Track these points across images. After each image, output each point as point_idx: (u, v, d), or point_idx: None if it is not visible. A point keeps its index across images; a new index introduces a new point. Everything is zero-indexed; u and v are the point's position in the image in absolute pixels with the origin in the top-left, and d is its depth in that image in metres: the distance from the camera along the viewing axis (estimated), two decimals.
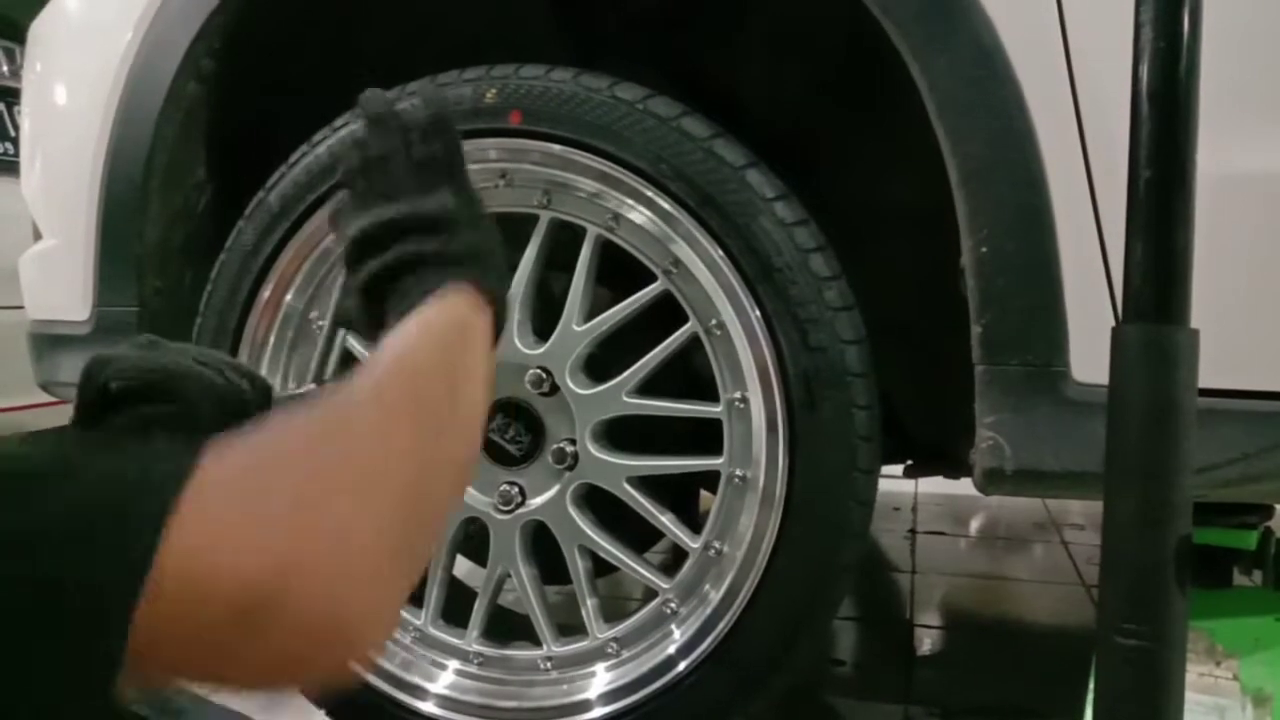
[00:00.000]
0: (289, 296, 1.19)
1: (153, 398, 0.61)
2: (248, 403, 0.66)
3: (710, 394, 1.06)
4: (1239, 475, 0.83)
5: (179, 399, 0.62)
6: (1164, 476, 0.61)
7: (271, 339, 1.20)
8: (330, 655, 0.43)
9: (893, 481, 1.45)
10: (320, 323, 1.21)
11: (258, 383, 0.67)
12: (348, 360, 1.19)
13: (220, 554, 0.40)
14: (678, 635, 1.09)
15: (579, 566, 1.13)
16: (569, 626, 1.17)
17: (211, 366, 0.64)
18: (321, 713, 1.12)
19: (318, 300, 1.20)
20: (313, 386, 0.83)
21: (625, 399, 1.08)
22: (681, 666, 1.07)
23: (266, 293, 1.18)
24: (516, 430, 1.13)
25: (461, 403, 0.56)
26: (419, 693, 1.17)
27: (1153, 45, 0.62)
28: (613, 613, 1.16)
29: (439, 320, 0.60)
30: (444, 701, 1.17)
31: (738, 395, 1.04)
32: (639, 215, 1.05)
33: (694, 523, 1.11)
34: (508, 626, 1.21)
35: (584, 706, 1.12)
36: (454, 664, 1.19)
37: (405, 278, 0.63)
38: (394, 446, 0.49)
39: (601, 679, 1.12)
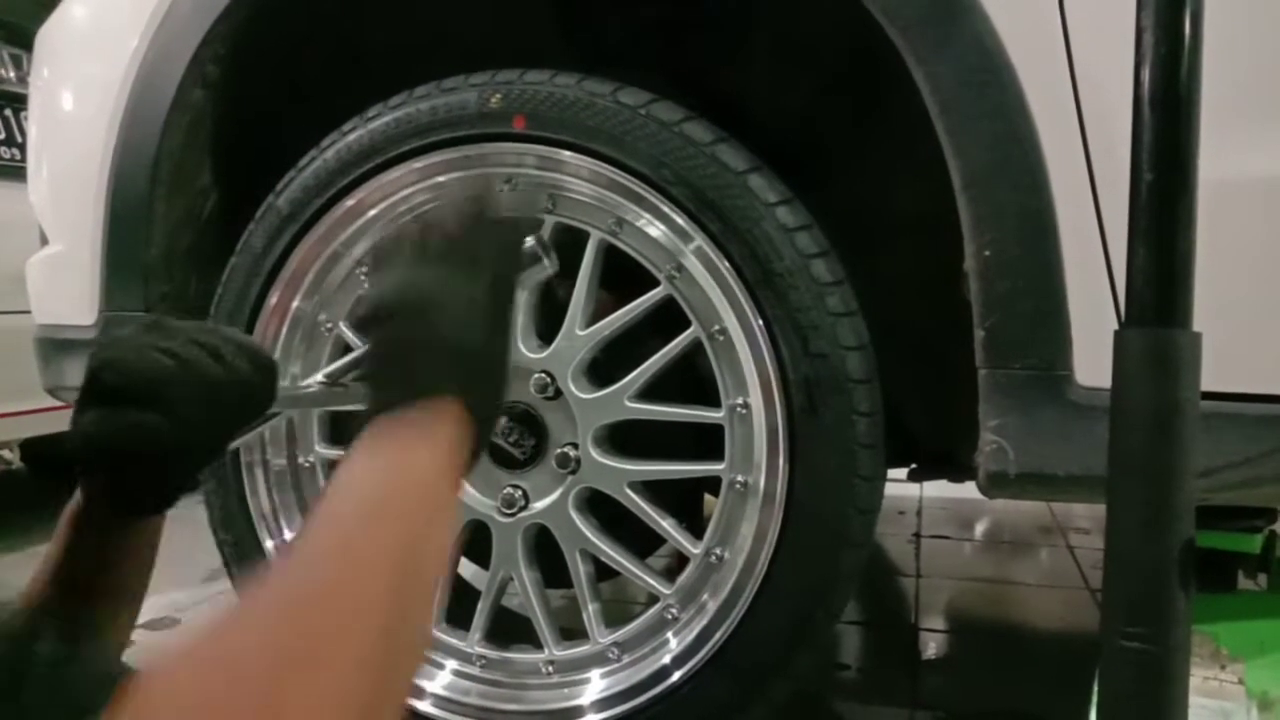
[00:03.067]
0: (298, 300, 1.20)
1: (139, 399, 0.61)
2: (245, 386, 0.65)
3: (712, 399, 1.06)
4: (1242, 479, 0.83)
5: (158, 407, 0.61)
6: (1167, 480, 0.61)
7: (281, 342, 1.20)
8: None
9: (898, 485, 1.44)
10: (328, 325, 1.21)
11: (260, 361, 0.67)
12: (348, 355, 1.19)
13: None
14: (674, 643, 1.09)
15: (581, 570, 1.13)
16: (571, 630, 1.17)
17: (208, 350, 0.64)
18: None
19: (326, 304, 1.21)
20: (319, 378, 0.82)
21: (628, 404, 1.08)
22: (679, 673, 1.07)
23: (275, 297, 1.19)
24: (520, 434, 1.13)
25: (421, 574, 0.49)
26: (416, 692, 1.18)
27: (1154, 50, 0.62)
28: (615, 617, 1.16)
29: (412, 475, 0.51)
30: (441, 702, 1.17)
31: (739, 401, 1.04)
32: (642, 220, 1.05)
33: (697, 529, 1.11)
34: (510, 629, 1.22)
35: (580, 711, 1.12)
36: (452, 664, 1.19)
37: (394, 365, 0.56)
38: (354, 628, 0.43)
39: (601, 683, 1.12)
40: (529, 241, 0.77)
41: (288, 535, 1.25)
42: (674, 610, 1.09)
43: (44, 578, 0.65)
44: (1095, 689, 0.66)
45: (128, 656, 0.70)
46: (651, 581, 1.11)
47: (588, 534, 1.12)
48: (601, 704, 1.11)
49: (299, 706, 0.39)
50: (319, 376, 0.83)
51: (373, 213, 1.16)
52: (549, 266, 0.81)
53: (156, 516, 0.69)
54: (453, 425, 0.54)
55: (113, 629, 0.67)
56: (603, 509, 1.13)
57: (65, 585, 0.65)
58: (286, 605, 0.43)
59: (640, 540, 1.17)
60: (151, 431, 0.61)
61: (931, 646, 1.71)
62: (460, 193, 0.62)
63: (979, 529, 2.54)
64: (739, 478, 1.05)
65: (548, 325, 1.12)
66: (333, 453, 1.24)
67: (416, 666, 0.50)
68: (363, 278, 1.19)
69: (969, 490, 1.54)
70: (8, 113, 2.33)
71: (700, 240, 1.02)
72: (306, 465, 1.25)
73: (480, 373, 0.58)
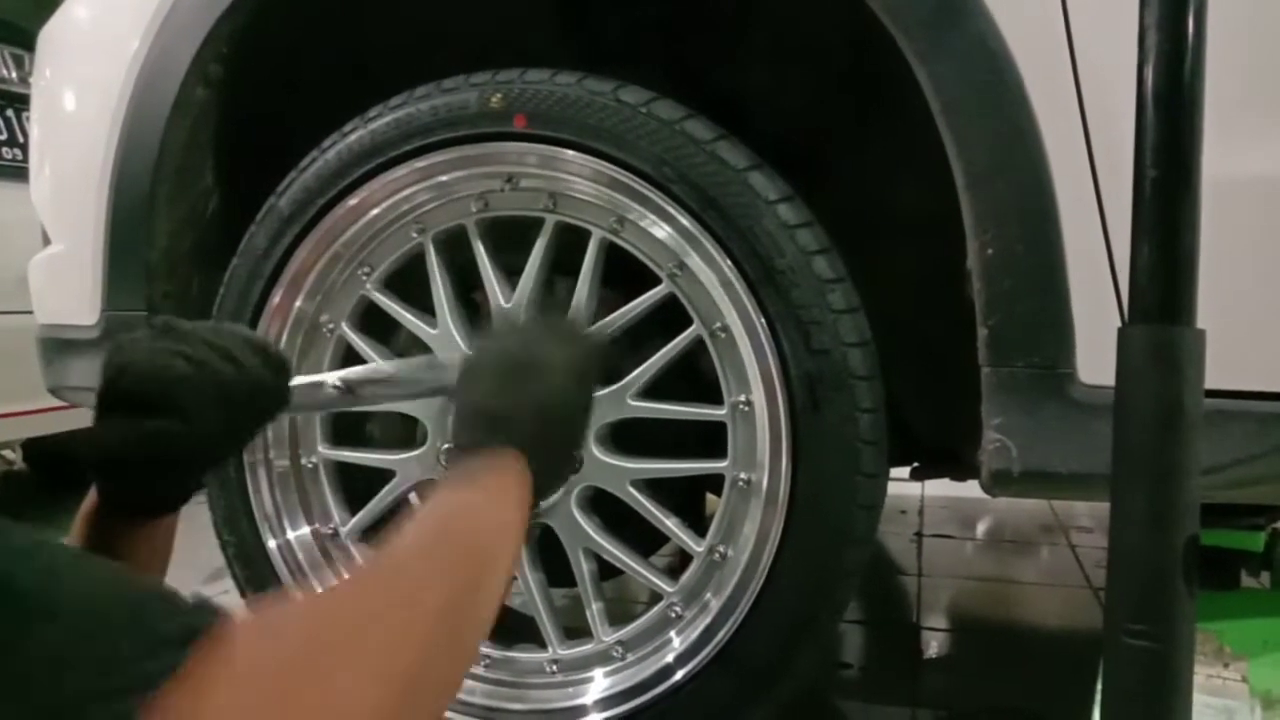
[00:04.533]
0: (300, 301, 1.20)
1: (155, 405, 0.62)
2: (259, 385, 0.66)
3: (715, 397, 1.06)
4: (1246, 476, 0.83)
5: (176, 412, 0.62)
6: (1171, 477, 0.61)
7: (283, 342, 1.20)
8: None
9: (899, 484, 1.44)
10: (330, 326, 1.21)
11: (273, 360, 0.68)
12: (350, 359, 1.19)
13: None
14: (678, 641, 1.09)
15: (584, 569, 1.13)
16: (575, 629, 1.17)
17: (221, 352, 0.64)
18: None
19: (328, 304, 1.21)
20: (334, 380, 0.82)
21: (630, 402, 1.08)
22: (682, 672, 1.07)
23: (278, 297, 1.19)
24: None
25: (484, 601, 0.55)
26: None
27: (1158, 48, 0.62)
28: (617, 616, 1.16)
29: (483, 510, 0.59)
30: None
31: (742, 398, 1.04)
32: (643, 218, 1.05)
33: (700, 527, 1.11)
34: (515, 629, 1.22)
35: (584, 710, 1.12)
36: None
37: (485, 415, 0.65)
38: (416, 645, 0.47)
39: (605, 682, 1.12)
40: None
41: (290, 535, 1.25)
42: (677, 608, 1.09)
43: None
44: (1099, 687, 0.66)
45: None
46: (655, 580, 1.11)
47: (591, 533, 1.12)
48: (605, 703, 1.11)
49: (348, 672, 0.43)
50: (333, 377, 0.83)
51: (375, 212, 1.16)
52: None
53: (171, 514, 0.69)
54: (518, 475, 0.62)
55: None
56: (606, 508, 1.13)
57: None
58: (332, 617, 0.46)
59: (643, 539, 1.17)
60: (171, 437, 0.62)
61: (933, 645, 1.71)
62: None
63: (981, 528, 2.54)
64: (742, 475, 1.05)
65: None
66: (336, 454, 1.24)
67: (454, 687, 0.57)
68: (364, 278, 1.19)
69: (970, 489, 1.54)
70: (9, 113, 2.34)
71: (702, 238, 1.02)
72: (309, 466, 1.25)
73: (552, 433, 0.67)
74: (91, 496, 0.66)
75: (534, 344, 0.69)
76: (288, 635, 0.43)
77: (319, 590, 0.47)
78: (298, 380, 0.79)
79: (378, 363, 1.12)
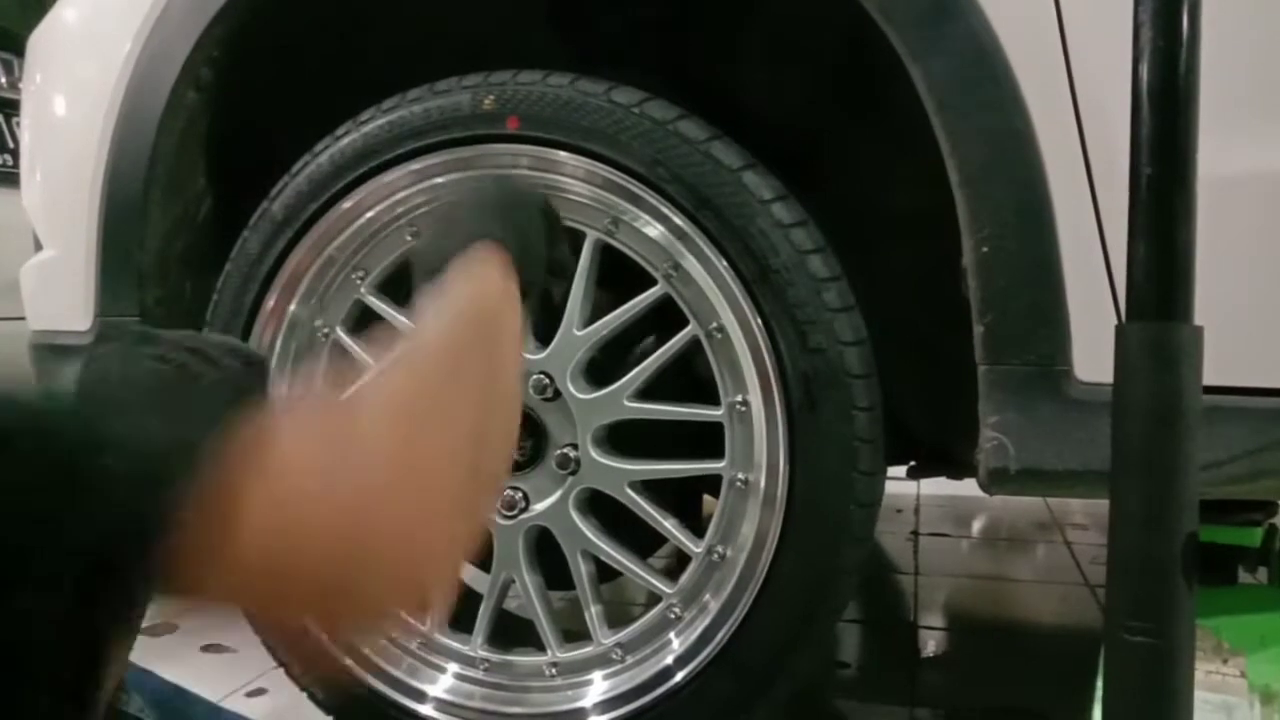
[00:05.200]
0: (294, 305, 1.19)
1: (134, 408, 0.61)
2: (240, 389, 0.66)
3: (711, 397, 1.06)
4: (1243, 472, 0.83)
5: (158, 414, 0.61)
6: (1170, 474, 0.61)
7: (277, 347, 1.20)
8: (406, 608, 0.49)
9: (895, 483, 1.45)
10: (325, 331, 1.21)
11: (253, 362, 0.67)
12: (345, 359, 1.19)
13: (298, 537, 0.42)
14: (677, 643, 1.09)
15: (582, 571, 1.13)
16: (574, 632, 1.16)
17: (200, 355, 0.64)
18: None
19: (322, 309, 1.20)
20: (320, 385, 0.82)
21: (626, 403, 1.08)
22: (682, 674, 1.07)
23: (271, 302, 1.18)
24: (519, 436, 1.13)
25: (506, 376, 0.61)
26: (418, 696, 1.17)
27: (1152, 44, 0.62)
28: (615, 619, 1.16)
29: (477, 300, 0.63)
30: (443, 705, 1.17)
31: (738, 398, 1.04)
32: (638, 219, 1.05)
33: (698, 528, 1.11)
34: (513, 632, 1.21)
35: (583, 713, 1.12)
36: (454, 668, 1.19)
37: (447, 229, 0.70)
38: (461, 416, 0.53)
39: (604, 685, 1.12)
40: None
41: None
42: (676, 610, 1.09)
43: None
44: (1098, 684, 0.66)
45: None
46: (654, 581, 1.11)
47: (589, 535, 1.11)
48: (604, 705, 1.11)
49: (424, 458, 0.49)
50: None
51: (369, 215, 1.15)
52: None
53: None
54: (500, 263, 0.66)
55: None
56: (603, 510, 1.13)
57: None
58: (403, 415, 0.51)
59: (641, 541, 1.17)
60: (151, 438, 0.61)
61: (931, 644, 1.71)
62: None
63: (977, 526, 2.55)
64: (739, 475, 1.05)
65: (545, 326, 1.12)
66: None
67: (504, 459, 0.64)
68: (358, 282, 1.19)
69: (966, 488, 1.54)
70: (0, 118, 2.32)
71: (696, 238, 1.02)
72: None
73: (520, 220, 0.72)
74: None
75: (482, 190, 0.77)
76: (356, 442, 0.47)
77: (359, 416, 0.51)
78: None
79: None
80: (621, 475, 1.09)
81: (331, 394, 0.57)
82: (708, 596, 1.08)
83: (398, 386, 0.54)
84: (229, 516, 0.40)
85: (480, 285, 0.64)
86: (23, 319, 1.44)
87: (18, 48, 1.89)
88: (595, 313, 1.10)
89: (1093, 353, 0.86)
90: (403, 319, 1.16)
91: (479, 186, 0.80)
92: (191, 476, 0.40)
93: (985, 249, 0.89)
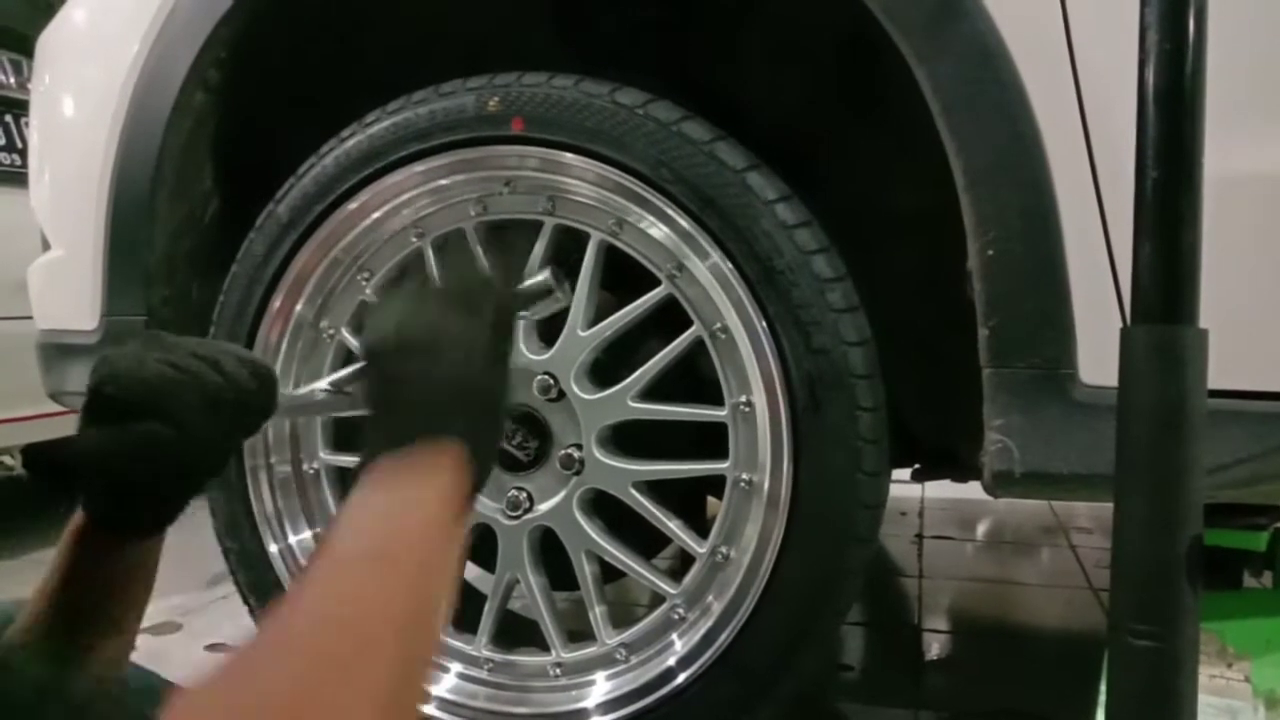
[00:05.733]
0: (299, 306, 1.20)
1: (142, 411, 0.61)
2: (246, 395, 0.66)
3: (716, 398, 1.06)
4: (1248, 476, 0.82)
5: (164, 417, 0.61)
6: (1175, 477, 0.61)
7: (283, 348, 1.20)
8: None
9: (900, 486, 1.44)
10: (330, 331, 1.21)
11: (260, 371, 0.67)
12: (351, 363, 1.19)
13: None
14: (680, 644, 1.09)
15: (586, 572, 1.13)
16: (578, 633, 1.17)
17: (208, 362, 0.64)
18: None
19: (328, 309, 1.21)
20: (323, 385, 0.82)
21: (631, 404, 1.08)
22: (685, 675, 1.07)
23: (277, 302, 1.19)
24: (524, 436, 1.13)
25: (428, 614, 0.51)
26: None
27: (1158, 47, 0.62)
28: (619, 619, 1.16)
29: (419, 517, 0.52)
30: (447, 705, 1.17)
31: (743, 399, 1.04)
32: (642, 220, 1.05)
33: (701, 529, 1.11)
34: (517, 632, 1.21)
35: (586, 713, 1.12)
36: (458, 667, 1.19)
37: (397, 406, 0.57)
38: (370, 676, 0.44)
39: (607, 685, 1.12)
40: (545, 275, 0.80)
41: (292, 540, 1.25)
42: (680, 611, 1.09)
43: (43, 599, 0.65)
44: (1103, 687, 0.65)
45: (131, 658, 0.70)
46: (658, 582, 1.11)
47: (593, 535, 1.12)
48: (607, 706, 1.11)
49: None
50: (323, 384, 0.83)
51: (375, 216, 1.16)
52: (561, 299, 0.82)
53: (155, 537, 0.68)
54: (455, 468, 0.55)
55: (107, 651, 0.67)
56: (607, 511, 1.13)
57: (63, 607, 0.64)
58: (303, 648, 0.44)
59: (645, 541, 1.17)
60: (158, 442, 0.61)
61: (935, 647, 1.71)
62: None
63: (981, 529, 2.54)
64: (743, 476, 1.05)
65: (549, 327, 1.12)
66: (337, 459, 1.24)
67: (422, 701, 0.50)
68: (364, 283, 1.19)
69: (971, 491, 1.54)
70: (8, 119, 2.33)
71: (700, 238, 1.02)
72: (311, 471, 1.25)
73: (481, 414, 0.59)
74: (77, 517, 0.66)
75: (445, 315, 0.60)
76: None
77: (257, 653, 0.44)
78: (288, 392, 0.79)
79: None
80: (626, 476, 1.09)
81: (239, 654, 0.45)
82: (711, 597, 1.08)
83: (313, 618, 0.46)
84: None
85: (430, 502, 0.53)
86: (30, 318, 1.45)
87: (26, 49, 1.89)
88: (599, 314, 1.10)
89: (1098, 356, 0.86)
90: None
91: (459, 300, 0.62)
92: None
93: (990, 252, 0.88)
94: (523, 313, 0.79)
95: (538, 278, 0.81)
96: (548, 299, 0.82)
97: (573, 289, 0.84)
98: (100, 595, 0.66)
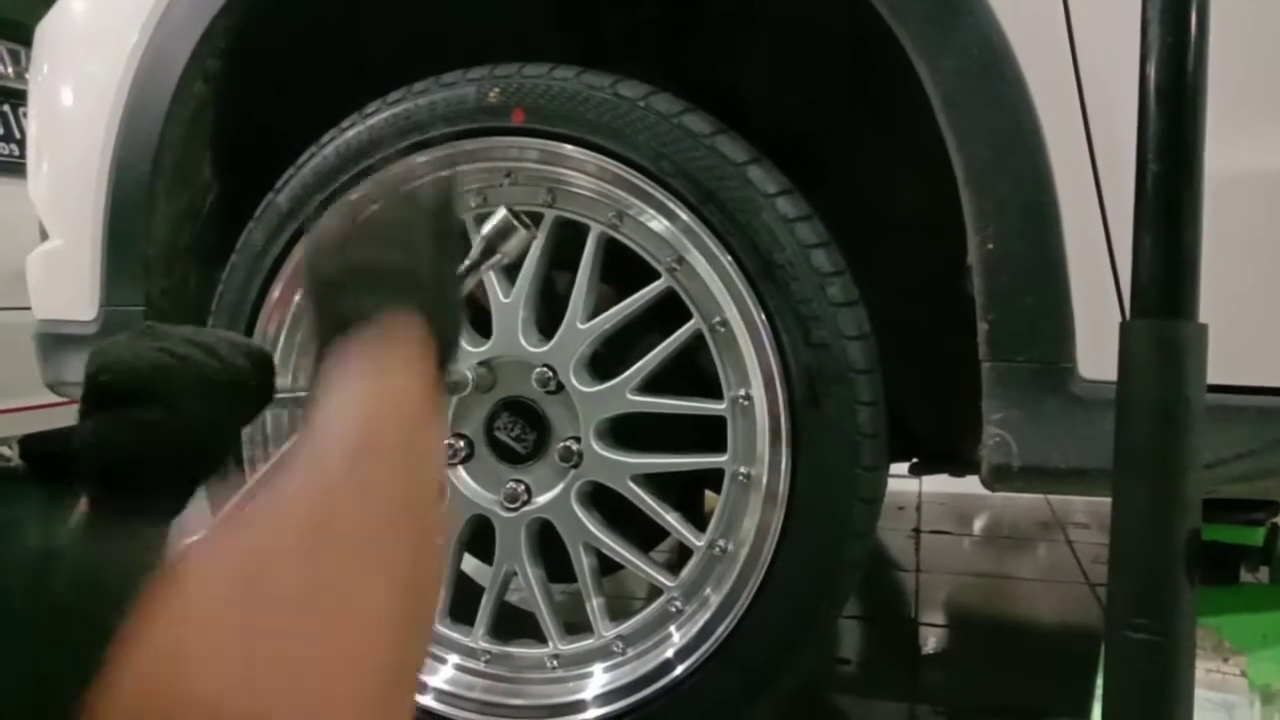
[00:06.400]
0: (299, 296, 1.20)
1: (139, 397, 0.61)
2: (242, 382, 0.65)
3: (715, 391, 1.06)
4: (1246, 471, 0.83)
5: (161, 402, 0.61)
6: (1173, 472, 0.61)
7: (282, 338, 1.20)
8: None
9: (897, 481, 1.45)
10: None
11: (255, 357, 0.67)
12: None
13: (198, 680, 0.37)
14: (678, 636, 1.09)
15: (584, 564, 1.13)
16: (575, 625, 1.17)
17: (204, 348, 0.64)
18: None
19: None
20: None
21: (629, 396, 1.08)
22: (682, 667, 1.07)
23: (276, 292, 1.19)
24: (522, 428, 1.13)
25: (427, 496, 0.51)
26: (419, 687, 1.18)
27: (1160, 42, 0.62)
28: (616, 612, 1.16)
29: (397, 396, 0.52)
30: (444, 696, 1.18)
31: (742, 392, 1.04)
32: (642, 213, 1.05)
33: (699, 522, 1.11)
34: (514, 624, 1.22)
35: (583, 705, 1.12)
36: (455, 659, 1.19)
37: (347, 287, 0.56)
38: (384, 557, 0.45)
39: (604, 677, 1.12)
40: (502, 212, 0.78)
41: None
42: (678, 603, 1.09)
43: None
44: (1099, 681, 0.66)
45: None
46: (655, 575, 1.11)
47: (591, 528, 1.12)
48: (604, 698, 1.11)
49: (332, 650, 0.41)
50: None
51: (375, 208, 1.15)
52: (526, 234, 0.80)
53: (159, 530, 0.68)
54: (416, 341, 0.54)
55: None
56: (605, 503, 1.13)
57: None
58: (315, 529, 0.44)
59: (643, 534, 1.17)
60: (156, 428, 0.61)
61: (932, 641, 1.71)
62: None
63: (978, 524, 2.55)
64: (742, 469, 1.05)
65: (549, 319, 1.12)
66: None
67: (434, 588, 0.51)
68: None
69: (968, 485, 1.54)
70: (6, 108, 2.33)
71: (700, 232, 1.02)
72: None
73: (433, 286, 0.58)
74: (81, 509, 0.65)
75: (388, 206, 0.61)
76: (269, 582, 0.40)
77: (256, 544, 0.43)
78: (285, 395, 0.79)
79: None
80: (624, 469, 1.09)
81: (234, 516, 0.47)
82: (709, 590, 1.08)
83: (310, 506, 0.45)
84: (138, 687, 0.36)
85: (403, 380, 0.52)
86: (28, 308, 1.45)
87: (25, 38, 1.89)
88: (599, 306, 1.10)
89: (1097, 351, 0.86)
90: None
91: (394, 198, 0.62)
92: (100, 665, 0.36)
93: (990, 246, 0.88)
94: (494, 255, 0.78)
95: (496, 216, 0.78)
96: (515, 235, 0.79)
97: (534, 228, 0.82)
98: None
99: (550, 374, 1.10)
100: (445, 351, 0.57)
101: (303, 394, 0.87)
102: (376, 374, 0.52)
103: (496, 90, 1.07)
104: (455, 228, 0.65)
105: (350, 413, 0.50)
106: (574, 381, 1.10)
